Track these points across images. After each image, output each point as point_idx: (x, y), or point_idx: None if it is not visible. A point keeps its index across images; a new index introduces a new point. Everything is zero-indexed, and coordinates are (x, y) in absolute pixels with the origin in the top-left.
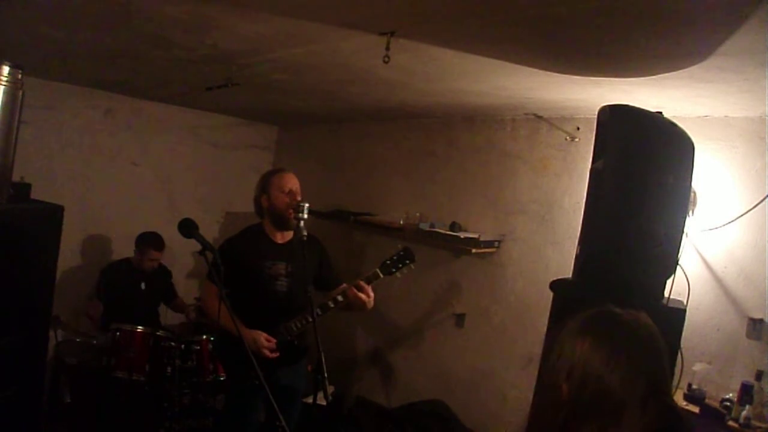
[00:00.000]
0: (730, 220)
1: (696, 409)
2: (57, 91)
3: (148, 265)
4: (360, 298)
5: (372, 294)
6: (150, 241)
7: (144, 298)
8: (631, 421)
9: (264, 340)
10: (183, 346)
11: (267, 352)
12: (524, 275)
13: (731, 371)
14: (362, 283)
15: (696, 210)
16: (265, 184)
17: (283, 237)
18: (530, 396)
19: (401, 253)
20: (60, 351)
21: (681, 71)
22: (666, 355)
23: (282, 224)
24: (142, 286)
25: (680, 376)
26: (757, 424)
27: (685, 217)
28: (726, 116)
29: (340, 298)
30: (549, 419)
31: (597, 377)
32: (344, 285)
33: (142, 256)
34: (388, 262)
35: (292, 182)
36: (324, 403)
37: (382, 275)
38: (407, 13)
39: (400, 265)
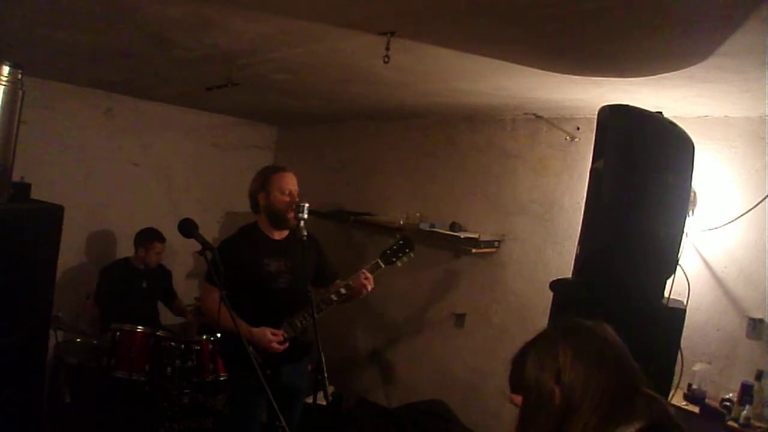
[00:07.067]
0: (730, 220)
1: (696, 409)
2: (57, 91)
3: (154, 258)
4: (365, 286)
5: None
6: (153, 234)
7: (144, 297)
8: (629, 413)
9: (270, 334)
10: (183, 346)
11: (276, 345)
12: (524, 275)
13: (731, 371)
14: (367, 272)
15: (696, 210)
16: (264, 182)
17: (280, 234)
18: None
19: (401, 242)
20: (60, 351)
21: (681, 71)
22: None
23: (280, 224)
24: (144, 284)
25: (680, 376)
26: (757, 424)
27: (685, 217)
28: (726, 116)
29: (343, 290)
30: (543, 421)
31: (586, 377)
32: (339, 282)
33: (147, 251)
34: (389, 251)
35: (292, 183)
36: (324, 403)
37: (383, 265)
38: (407, 13)
39: (400, 254)
